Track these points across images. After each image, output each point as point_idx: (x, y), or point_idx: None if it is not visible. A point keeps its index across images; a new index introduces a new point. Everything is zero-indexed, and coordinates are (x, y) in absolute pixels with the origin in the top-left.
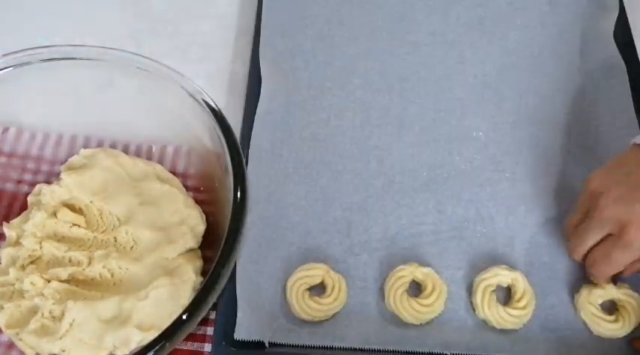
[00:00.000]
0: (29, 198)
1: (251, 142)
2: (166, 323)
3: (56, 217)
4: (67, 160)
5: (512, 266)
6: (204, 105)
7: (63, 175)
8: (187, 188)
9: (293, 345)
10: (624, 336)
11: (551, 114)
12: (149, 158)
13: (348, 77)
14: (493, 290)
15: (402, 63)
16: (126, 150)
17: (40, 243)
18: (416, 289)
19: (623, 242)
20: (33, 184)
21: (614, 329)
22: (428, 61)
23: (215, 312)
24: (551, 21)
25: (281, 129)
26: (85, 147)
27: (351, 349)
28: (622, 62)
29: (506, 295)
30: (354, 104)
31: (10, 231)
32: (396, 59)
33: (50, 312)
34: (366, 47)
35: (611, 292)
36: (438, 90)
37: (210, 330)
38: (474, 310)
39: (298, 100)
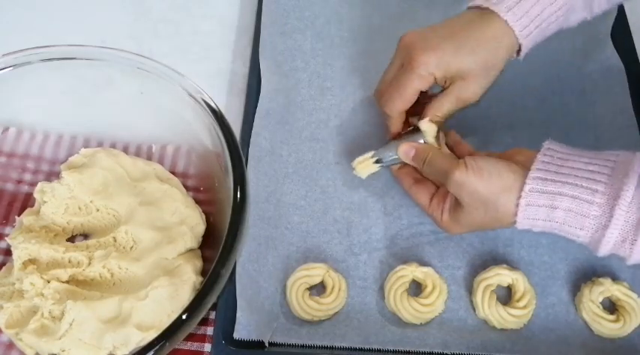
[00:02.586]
0: (36, 195)
1: (251, 142)
2: (166, 323)
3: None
4: (67, 160)
5: (512, 266)
6: (204, 105)
7: (64, 174)
8: (187, 188)
9: (293, 345)
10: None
11: (550, 115)
12: (149, 158)
13: (347, 77)
14: (493, 290)
15: None
16: (126, 150)
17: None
18: (416, 289)
19: (409, 66)
20: (33, 184)
21: (614, 328)
22: None
23: (215, 312)
24: None
25: (281, 129)
26: (85, 147)
27: (351, 349)
28: (620, 62)
29: (506, 295)
30: (354, 104)
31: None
32: None
33: (50, 312)
34: (365, 47)
35: (611, 289)
36: (437, 90)
37: (210, 330)
38: (474, 310)
39: (298, 100)
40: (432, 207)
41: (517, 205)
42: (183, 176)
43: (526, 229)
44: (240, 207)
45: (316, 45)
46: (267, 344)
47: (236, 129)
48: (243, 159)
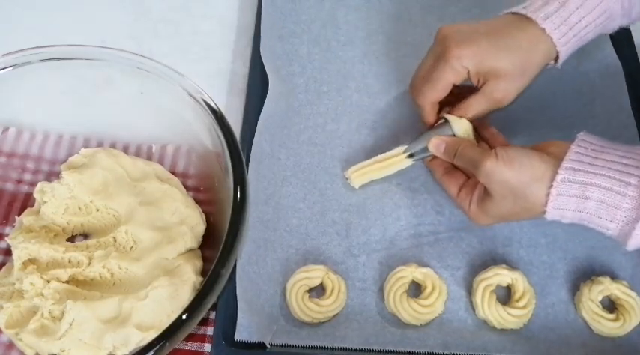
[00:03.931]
0: (36, 195)
1: (252, 145)
2: (166, 323)
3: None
4: (67, 160)
5: (511, 266)
6: (204, 105)
7: (64, 174)
8: (187, 188)
9: (293, 346)
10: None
11: (548, 115)
12: (149, 158)
13: (344, 81)
14: (493, 290)
15: (398, 65)
16: (126, 150)
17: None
18: (416, 290)
19: (443, 58)
20: (33, 184)
21: (614, 327)
22: None
23: (215, 312)
24: None
25: (280, 133)
26: (85, 147)
27: (351, 349)
28: (618, 62)
29: (505, 295)
30: (351, 108)
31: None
32: (392, 62)
33: (50, 312)
34: (362, 50)
35: (611, 287)
36: None
37: (210, 330)
38: (473, 310)
39: (296, 105)
40: (460, 198)
41: (547, 195)
42: (183, 176)
43: (555, 220)
44: (240, 207)
45: (312, 49)
46: (268, 345)
47: (236, 129)
48: (243, 160)
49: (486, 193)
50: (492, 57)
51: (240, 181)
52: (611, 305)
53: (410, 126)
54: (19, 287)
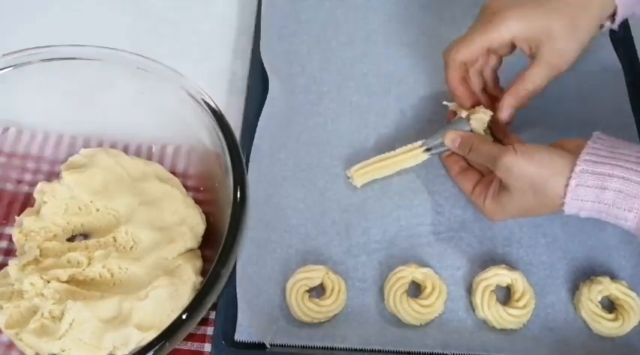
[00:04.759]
0: (36, 195)
1: (252, 145)
2: (166, 323)
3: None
4: (67, 160)
5: (511, 266)
6: (204, 105)
7: (64, 174)
8: (187, 188)
9: (293, 346)
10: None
11: (547, 115)
12: (149, 158)
13: (344, 81)
14: (493, 290)
15: (398, 65)
16: (126, 150)
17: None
18: (415, 290)
19: (488, 20)
20: (33, 184)
21: (613, 327)
22: (424, 63)
23: (215, 312)
24: None
25: (280, 133)
26: (85, 147)
27: (351, 350)
28: (618, 62)
29: (505, 295)
30: (351, 108)
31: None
32: (392, 62)
33: (50, 312)
34: (362, 50)
35: (610, 288)
36: (435, 93)
37: (210, 330)
38: (473, 310)
39: (296, 105)
40: (475, 194)
41: (566, 186)
42: (183, 176)
43: (573, 214)
44: (240, 207)
45: (312, 49)
46: (268, 346)
47: (236, 129)
48: (243, 160)
49: (503, 188)
50: (541, 18)
51: (240, 181)
52: (610, 306)
53: (410, 126)
54: (18, 288)
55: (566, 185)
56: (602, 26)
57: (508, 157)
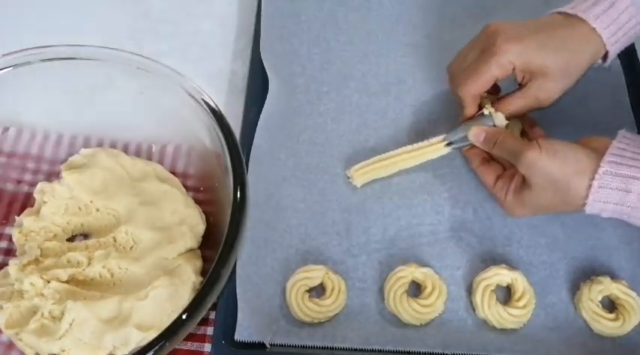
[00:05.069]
0: (36, 195)
1: (253, 144)
2: (166, 323)
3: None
4: (67, 160)
5: (511, 266)
6: (204, 105)
7: (64, 174)
8: (187, 188)
9: (293, 346)
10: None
11: (547, 114)
12: (149, 158)
13: (344, 81)
14: (493, 290)
15: (397, 65)
16: (126, 150)
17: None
18: (416, 289)
19: (490, 52)
20: (33, 184)
21: (614, 327)
22: (424, 63)
23: (215, 312)
24: None
25: (280, 133)
26: (85, 147)
27: (351, 349)
28: (618, 61)
29: (505, 294)
30: (351, 108)
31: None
32: (392, 62)
33: (50, 312)
34: (362, 50)
35: (611, 287)
36: (435, 93)
37: (210, 330)
38: (473, 310)
39: (295, 105)
40: (496, 188)
41: (589, 187)
42: (183, 176)
43: (594, 213)
44: (240, 207)
45: (312, 49)
46: (268, 345)
47: (236, 129)
48: (243, 160)
49: (525, 184)
50: (540, 55)
51: (240, 181)
52: (611, 305)
53: (410, 126)
54: (18, 288)
55: (589, 186)
56: (593, 64)
57: (531, 154)
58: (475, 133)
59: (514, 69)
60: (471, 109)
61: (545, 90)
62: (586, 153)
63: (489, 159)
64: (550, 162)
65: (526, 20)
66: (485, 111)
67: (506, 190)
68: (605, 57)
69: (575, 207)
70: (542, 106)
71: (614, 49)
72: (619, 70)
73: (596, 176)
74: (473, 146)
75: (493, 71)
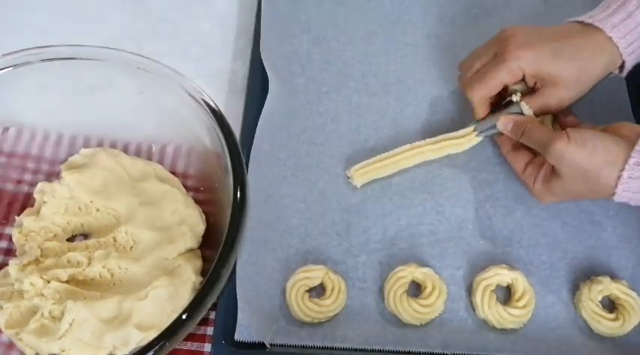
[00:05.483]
0: (36, 195)
1: (253, 145)
2: (166, 323)
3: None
4: (67, 160)
5: (511, 266)
6: (204, 105)
7: (64, 174)
8: (187, 188)
9: (293, 346)
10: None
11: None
12: (149, 158)
13: (344, 81)
14: (493, 290)
15: (397, 65)
16: (126, 150)
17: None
18: (416, 289)
19: (502, 57)
20: (33, 184)
21: (614, 327)
22: (424, 63)
23: (215, 312)
24: (546, 21)
25: (280, 133)
26: (85, 147)
27: (351, 349)
28: None
29: (505, 294)
30: (350, 108)
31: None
32: (392, 62)
33: (50, 312)
34: (362, 50)
35: (611, 287)
36: (434, 93)
37: (210, 330)
38: (473, 310)
39: (296, 105)
40: (525, 174)
41: (618, 177)
42: (183, 176)
43: (623, 202)
44: (240, 207)
45: (312, 49)
46: (268, 345)
47: (236, 129)
48: (243, 160)
49: (554, 173)
50: (552, 63)
51: (240, 181)
52: (611, 305)
53: (410, 126)
54: (18, 288)
55: (619, 176)
56: (608, 74)
57: (560, 144)
58: (503, 122)
59: (524, 75)
60: (480, 111)
61: (557, 98)
62: (615, 141)
63: (520, 145)
64: (579, 153)
65: (541, 26)
66: (514, 99)
67: (535, 177)
68: (621, 67)
69: (603, 196)
70: (551, 112)
71: (631, 59)
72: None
73: (626, 167)
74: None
75: (502, 77)
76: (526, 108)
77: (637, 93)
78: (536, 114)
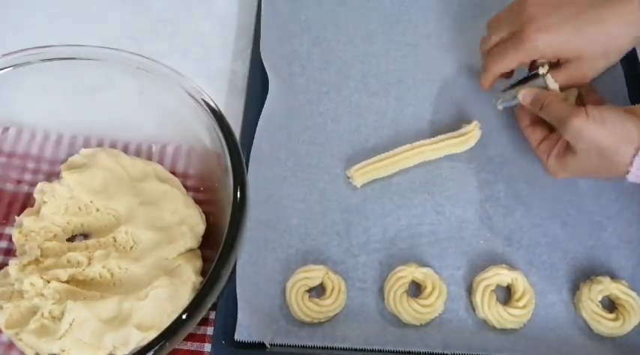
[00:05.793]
0: (36, 195)
1: (253, 145)
2: (166, 323)
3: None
4: (67, 160)
5: (511, 266)
6: (204, 105)
7: (64, 174)
8: (187, 188)
9: (293, 346)
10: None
11: None
12: (149, 158)
13: (344, 81)
14: (493, 290)
15: (397, 65)
16: (126, 150)
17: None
18: (416, 289)
19: (519, 39)
20: (33, 184)
21: (614, 327)
22: (424, 63)
23: (215, 312)
24: None
25: (280, 133)
26: (85, 147)
27: (351, 349)
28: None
29: (505, 294)
30: (350, 108)
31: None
32: (392, 62)
33: (50, 312)
34: (362, 50)
35: (611, 287)
36: (434, 93)
37: (210, 330)
38: (473, 310)
39: (296, 105)
40: (540, 149)
41: (634, 156)
42: (183, 176)
43: (635, 181)
44: (240, 207)
45: (312, 49)
46: (268, 345)
47: (236, 129)
48: (243, 160)
49: (569, 149)
50: (576, 41)
51: (240, 181)
52: (611, 305)
53: (410, 126)
54: (18, 288)
55: (634, 155)
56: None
57: (577, 121)
58: (524, 94)
59: (544, 55)
60: (485, 83)
61: (582, 72)
62: (633, 121)
63: (538, 120)
64: (599, 130)
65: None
66: (540, 71)
67: (549, 153)
68: None
69: (616, 174)
70: (577, 85)
71: None
72: (619, 71)
73: None
74: (523, 106)
75: (519, 57)
76: (551, 81)
77: (637, 93)
78: (561, 88)
